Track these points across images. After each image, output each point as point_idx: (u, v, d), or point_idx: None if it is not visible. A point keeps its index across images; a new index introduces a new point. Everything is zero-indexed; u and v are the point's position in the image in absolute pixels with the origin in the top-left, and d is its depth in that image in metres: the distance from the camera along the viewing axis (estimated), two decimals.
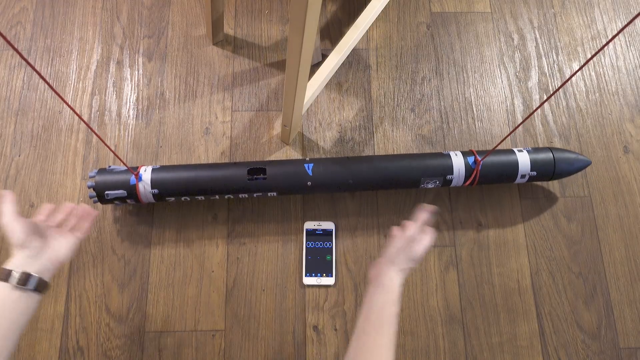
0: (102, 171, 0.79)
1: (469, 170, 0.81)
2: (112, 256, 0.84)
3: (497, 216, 0.89)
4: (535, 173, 0.82)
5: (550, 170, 0.82)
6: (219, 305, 0.82)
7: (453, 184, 0.82)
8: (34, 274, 0.52)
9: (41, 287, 0.53)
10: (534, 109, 0.76)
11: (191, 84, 0.95)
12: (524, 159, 0.82)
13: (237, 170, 0.79)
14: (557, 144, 0.94)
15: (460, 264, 0.86)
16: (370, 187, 0.83)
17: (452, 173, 0.81)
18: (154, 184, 0.78)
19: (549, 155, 0.83)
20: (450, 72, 0.99)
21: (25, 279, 0.51)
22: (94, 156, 0.90)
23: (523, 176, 0.82)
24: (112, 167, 0.80)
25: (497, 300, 0.85)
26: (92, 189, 0.78)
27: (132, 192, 0.77)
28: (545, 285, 0.86)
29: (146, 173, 0.78)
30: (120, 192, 0.77)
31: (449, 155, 0.82)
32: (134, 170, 0.78)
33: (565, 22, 1.04)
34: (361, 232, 0.87)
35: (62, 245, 0.58)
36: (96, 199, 0.78)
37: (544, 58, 1.01)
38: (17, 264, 0.52)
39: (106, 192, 0.77)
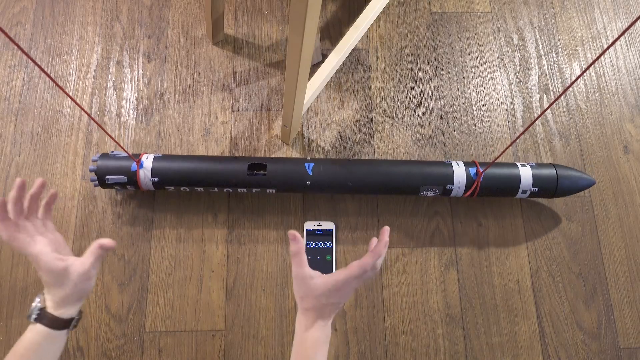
0: (104, 156, 0.79)
1: (469, 181, 0.80)
2: (112, 256, 0.84)
3: (497, 216, 0.89)
4: (537, 189, 0.81)
5: (552, 187, 0.81)
6: (219, 305, 0.82)
7: (453, 194, 0.82)
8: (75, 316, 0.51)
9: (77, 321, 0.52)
10: (535, 117, 0.75)
11: (191, 84, 0.95)
12: (526, 174, 0.81)
13: (238, 164, 0.80)
14: (557, 144, 0.94)
15: (460, 264, 0.86)
16: (369, 191, 0.83)
17: (452, 183, 0.80)
18: (154, 172, 0.78)
19: (552, 172, 0.82)
20: (450, 72, 0.99)
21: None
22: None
23: (524, 191, 0.82)
24: (115, 153, 0.80)
25: (497, 300, 0.85)
26: (93, 173, 0.78)
27: (132, 178, 0.78)
28: (545, 286, 0.86)
29: (148, 160, 0.79)
30: (121, 178, 0.78)
31: (450, 165, 0.82)
32: (136, 157, 0.79)
33: (565, 22, 1.04)
34: (361, 232, 0.87)
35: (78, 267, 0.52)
36: (97, 182, 0.79)
37: (544, 58, 1.01)
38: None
39: (107, 177, 0.78)
